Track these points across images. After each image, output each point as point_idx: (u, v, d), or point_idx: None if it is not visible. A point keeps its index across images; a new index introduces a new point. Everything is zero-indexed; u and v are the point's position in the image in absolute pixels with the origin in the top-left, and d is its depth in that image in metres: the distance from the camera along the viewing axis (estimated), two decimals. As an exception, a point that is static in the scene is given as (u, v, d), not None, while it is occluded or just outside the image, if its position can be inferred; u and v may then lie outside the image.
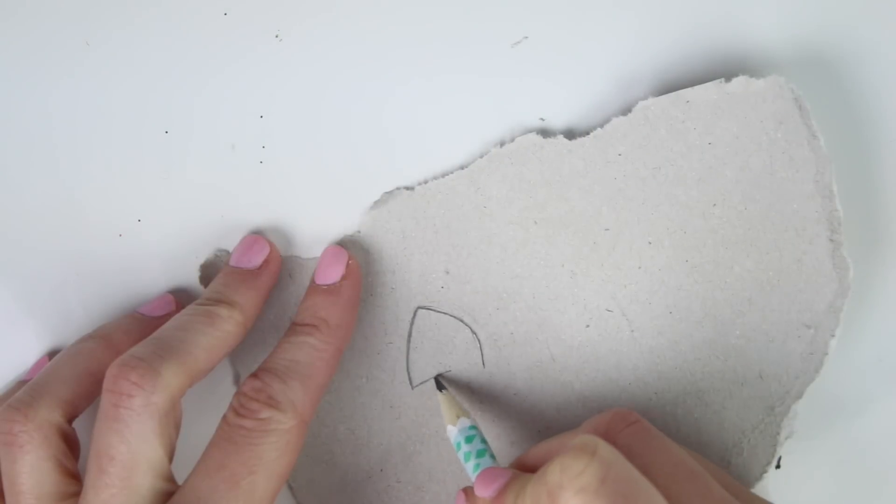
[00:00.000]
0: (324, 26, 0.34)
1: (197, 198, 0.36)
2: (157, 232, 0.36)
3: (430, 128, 0.35)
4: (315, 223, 0.36)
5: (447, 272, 0.35)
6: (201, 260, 0.36)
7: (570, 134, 0.34)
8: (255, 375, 0.31)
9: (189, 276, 0.36)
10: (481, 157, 0.34)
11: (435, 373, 0.35)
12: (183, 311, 0.33)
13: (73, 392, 0.33)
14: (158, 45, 0.35)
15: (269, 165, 0.35)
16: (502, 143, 0.34)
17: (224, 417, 0.31)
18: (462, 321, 0.35)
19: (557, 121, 0.35)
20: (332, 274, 0.34)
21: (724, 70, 0.34)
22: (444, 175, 0.35)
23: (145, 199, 0.36)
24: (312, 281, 0.34)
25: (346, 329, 0.33)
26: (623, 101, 0.34)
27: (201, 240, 0.36)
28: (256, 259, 0.34)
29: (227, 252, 0.36)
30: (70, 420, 0.33)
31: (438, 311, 0.35)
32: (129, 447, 0.29)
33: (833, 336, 0.33)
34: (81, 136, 0.36)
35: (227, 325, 0.32)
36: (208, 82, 0.35)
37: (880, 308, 0.36)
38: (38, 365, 0.37)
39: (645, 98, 0.33)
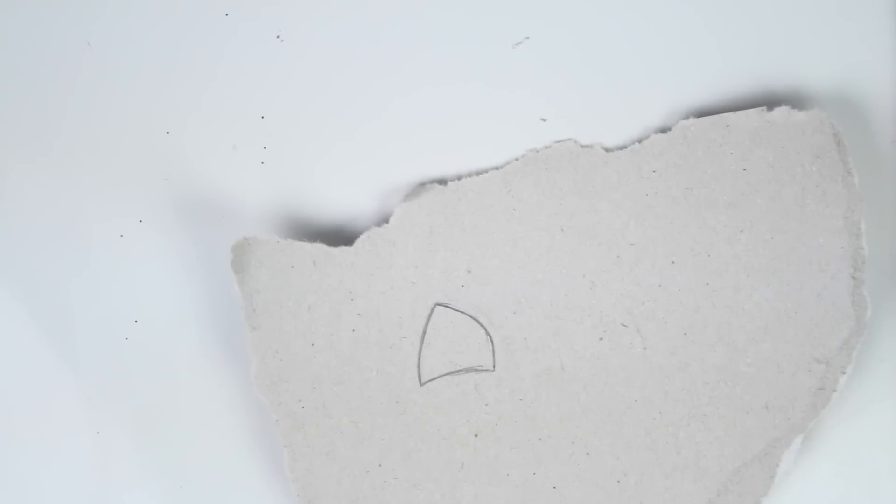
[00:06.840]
0: (325, 27, 0.34)
1: (198, 198, 0.36)
2: (159, 232, 0.36)
3: (430, 128, 0.35)
4: (315, 224, 0.36)
5: (469, 271, 0.35)
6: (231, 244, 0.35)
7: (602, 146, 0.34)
8: None
9: (190, 276, 0.36)
10: (516, 159, 0.34)
11: (445, 371, 0.35)
12: None
13: None
14: (159, 46, 0.35)
15: (270, 166, 0.35)
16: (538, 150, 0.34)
17: None
18: (478, 321, 0.35)
19: (593, 132, 0.35)
20: None
21: (765, 99, 0.34)
22: (478, 174, 0.35)
23: (147, 199, 0.36)
24: None
25: None
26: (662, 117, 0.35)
27: (203, 240, 0.36)
28: None
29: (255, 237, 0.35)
30: None
31: (456, 310, 0.35)
32: None
33: (843, 373, 0.34)
34: (82, 136, 0.36)
35: None
36: (209, 83, 0.35)
37: (880, 308, 0.36)
38: None
39: (686, 118, 0.33)
